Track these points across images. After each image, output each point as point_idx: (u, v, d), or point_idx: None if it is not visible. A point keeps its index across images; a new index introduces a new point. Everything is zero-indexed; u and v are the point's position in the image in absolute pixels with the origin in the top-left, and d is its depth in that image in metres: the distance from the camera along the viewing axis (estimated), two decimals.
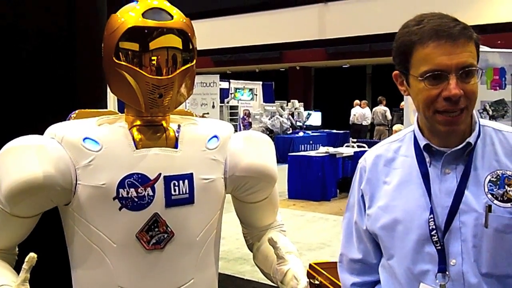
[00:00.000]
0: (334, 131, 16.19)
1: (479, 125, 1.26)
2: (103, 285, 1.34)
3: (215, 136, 1.44)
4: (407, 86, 1.26)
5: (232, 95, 16.14)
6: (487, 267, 1.18)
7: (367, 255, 1.39)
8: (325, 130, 16.21)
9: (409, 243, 1.24)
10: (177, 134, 1.38)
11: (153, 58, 1.28)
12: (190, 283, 1.38)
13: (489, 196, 1.19)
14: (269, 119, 14.45)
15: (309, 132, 15.16)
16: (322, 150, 9.07)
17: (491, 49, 5.61)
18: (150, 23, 1.27)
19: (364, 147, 9.91)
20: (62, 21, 2.12)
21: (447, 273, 1.21)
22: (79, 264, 1.37)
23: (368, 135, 15.97)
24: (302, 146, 13.56)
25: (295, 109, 15.72)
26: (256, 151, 1.49)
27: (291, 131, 14.79)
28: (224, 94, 15.35)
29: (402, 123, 8.83)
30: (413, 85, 1.22)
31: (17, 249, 1.44)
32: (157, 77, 1.28)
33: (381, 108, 15.01)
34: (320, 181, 8.42)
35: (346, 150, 9.42)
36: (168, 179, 1.32)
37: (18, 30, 2.00)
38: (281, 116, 14.76)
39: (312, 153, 9.27)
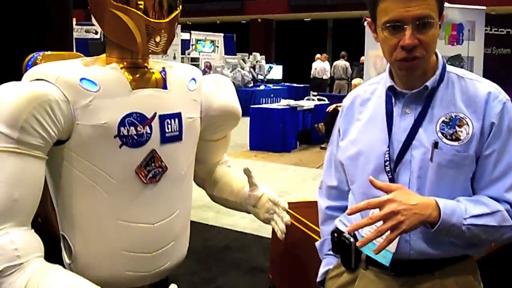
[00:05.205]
0: (295, 84, 16.29)
1: (443, 71, 1.37)
2: (101, 220, 1.38)
3: (193, 79, 1.53)
4: (376, 34, 1.36)
5: (194, 46, 15.92)
6: (429, 196, 1.29)
7: (341, 182, 1.54)
8: (286, 84, 16.30)
9: (367, 172, 1.37)
10: (163, 76, 1.45)
11: (140, 2, 1.31)
12: (176, 213, 1.50)
13: (439, 134, 1.31)
14: (230, 72, 14.40)
15: (270, 85, 15.22)
16: (283, 103, 9.20)
17: (450, 4, 5.75)
18: None
19: (324, 100, 10.06)
20: None
21: None
22: (75, 203, 1.38)
23: (328, 89, 16.16)
24: (263, 99, 13.64)
25: (257, 62, 15.68)
26: (225, 92, 1.66)
27: (252, 84, 14.82)
28: (185, 45, 15.12)
29: (361, 77, 9.00)
30: (379, 34, 1.34)
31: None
32: (157, 20, 1.33)
33: (342, 63, 15.15)
34: (280, 133, 8.57)
35: (307, 103, 9.58)
36: (162, 118, 1.41)
37: None
38: (242, 69, 14.73)
39: (274, 106, 9.37)
